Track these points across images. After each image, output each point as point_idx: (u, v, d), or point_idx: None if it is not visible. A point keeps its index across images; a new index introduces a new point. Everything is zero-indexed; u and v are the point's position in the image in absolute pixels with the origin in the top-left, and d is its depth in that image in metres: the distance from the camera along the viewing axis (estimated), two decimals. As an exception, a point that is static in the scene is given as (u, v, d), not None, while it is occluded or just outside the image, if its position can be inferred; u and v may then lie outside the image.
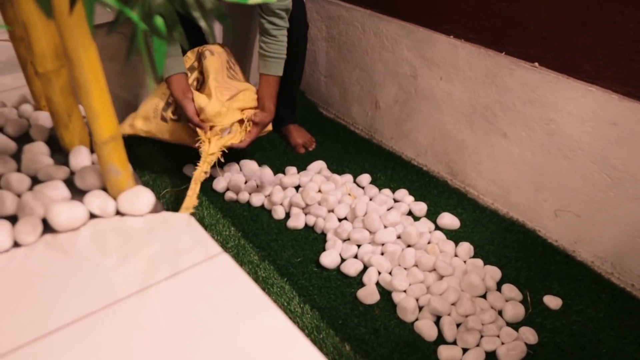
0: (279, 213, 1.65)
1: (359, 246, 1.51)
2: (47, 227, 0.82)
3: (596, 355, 1.26)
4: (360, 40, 1.95)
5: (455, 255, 1.51)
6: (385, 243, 1.50)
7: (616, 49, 1.27)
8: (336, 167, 1.88)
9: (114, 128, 0.82)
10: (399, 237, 1.54)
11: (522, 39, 1.45)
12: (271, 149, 1.99)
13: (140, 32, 0.59)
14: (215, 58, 1.71)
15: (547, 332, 1.31)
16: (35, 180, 0.93)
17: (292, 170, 1.84)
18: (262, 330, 0.66)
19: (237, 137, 1.66)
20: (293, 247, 1.55)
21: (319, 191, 1.67)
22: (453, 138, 1.75)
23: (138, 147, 1.96)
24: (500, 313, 1.34)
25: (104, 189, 0.89)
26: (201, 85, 1.70)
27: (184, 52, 1.71)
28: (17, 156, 1.00)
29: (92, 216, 0.86)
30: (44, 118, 1.10)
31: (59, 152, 1.02)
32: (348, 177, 1.80)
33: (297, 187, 1.74)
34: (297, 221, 1.61)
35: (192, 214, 1.62)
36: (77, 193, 0.89)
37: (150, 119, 1.70)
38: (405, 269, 1.44)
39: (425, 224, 1.60)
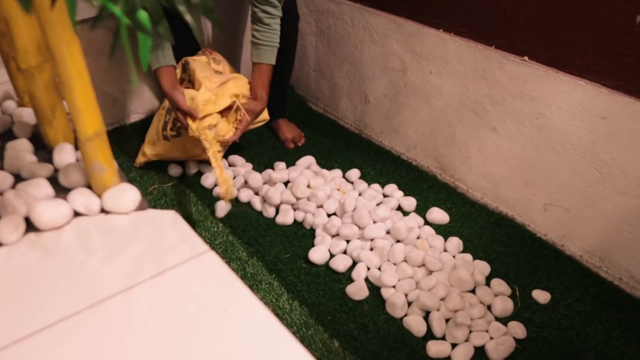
0: (268, 209, 1.64)
1: (348, 242, 1.51)
2: (30, 226, 0.81)
3: (584, 349, 1.26)
4: (349, 34, 1.94)
5: (445, 250, 1.50)
6: (374, 238, 1.49)
7: (606, 43, 1.27)
8: (325, 162, 1.87)
9: (98, 124, 0.80)
10: (388, 233, 1.53)
11: (512, 32, 1.45)
12: (260, 144, 1.98)
13: (123, 27, 0.58)
14: (198, 60, 1.74)
15: (536, 326, 1.31)
16: (18, 178, 0.91)
17: (281, 165, 1.83)
18: (248, 329, 0.65)
19: (229, 130, 1.65)
20: (282, 243, 1.54)
21: (308, 186, 1.66)
22: (442, 132, 1.75)
23: (125, 143, 1.94)
24: (489, 308, 1.34)
25: (89, 186, 0.88)
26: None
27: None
28: (-1, 153, 0.98)
29: (77, 214, 0.84)
30: (27, 115, 1.08)
31: (43, 149, 1.00)
32: (337, 172, 1.79)
33: (286, 183, 1.73)
34: (285, 217, 1.60)
35: (181, 210, 1.61)
36: (61, 191, 0.88)
37: (155, 142, 1.76)
38: (394, 264, 1.43)
39: (415, 219, 1.60)
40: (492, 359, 1.23)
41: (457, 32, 1.59)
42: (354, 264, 1.46)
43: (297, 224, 1.61)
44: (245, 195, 1.69)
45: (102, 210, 0.85)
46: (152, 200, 1.67)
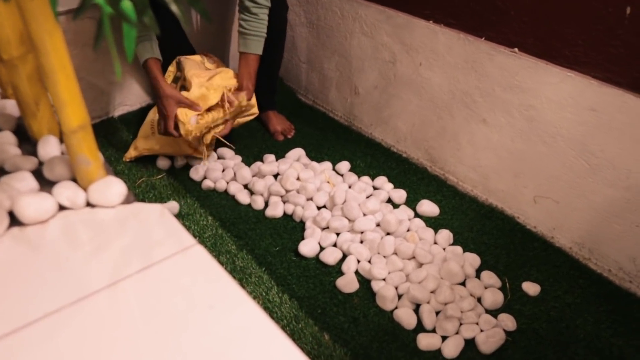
0: (258, 202, 1.63)
1: (338, 234, 1.50)
2: (14, 220, 0.79)
3: (574, 341, 1.26)
4: (339, 26, 1.93)
5: (435, 243, 1.50)
6: (364, 231, 1.49)
7: (595, 35, 1.26)
8: (315, 155, 1.86)
9: (82, 117, 0.79)
10: (378, 225, 1.53)
11: (502, 24, 1.44)
12: (249, 137, 1.97)
13: (105, 17, 0.57)
14: (191, 59, 1.74)
15: (526, 318, 1.31)
16: (2, 172, 0.90)
17: (270, 158, 1.82)
18: (236, 324, 0.65)
19: (219, 125, 1.65)
20: (271, 236, 1.53)
21: (298, 179, 1.65)
22: (433, 124, 1.74)
23: (112, 136, 1.92)
24: (479, 300, 1.34)
25: (74, 179, 0.86)
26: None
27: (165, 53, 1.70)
28: (-17, 146, 0.96)
29: (62, 208, 0.83)
30: (11, 106, 1.06)
31: (27, 142, 0.98)
32: (327, 165, 1.78)
33: (275, 176, 1.72)
34: (275, 210, 1.59)
35: (169, 203, 1.59)
36: (46, 184, 0.86)
37: (149, 136, 1.75)
38: (384, 257, 1.43)
39: (405, 212, 1.60)
40: (482, 352, 1.23)
41: (447, 24, 1.58)
42: (344, 256, 1.46)
43: (287, 217, 1.60)
44: (234, 188, 1.68)
45: (88, 204, 0.84)
46: (140, 194, 1.65)
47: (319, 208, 1.59)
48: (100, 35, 0.57)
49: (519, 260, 1.47)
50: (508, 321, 1.29)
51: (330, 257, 1.44)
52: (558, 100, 1.37)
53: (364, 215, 1.53)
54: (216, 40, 2.20)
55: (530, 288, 1.38)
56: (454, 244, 1.51)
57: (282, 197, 1.63)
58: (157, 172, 1.75)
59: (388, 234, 1.50)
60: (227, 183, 1.71)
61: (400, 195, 1.67)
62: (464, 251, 1.48)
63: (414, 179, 1.77)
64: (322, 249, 1.48)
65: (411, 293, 1.31)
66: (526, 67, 1.41)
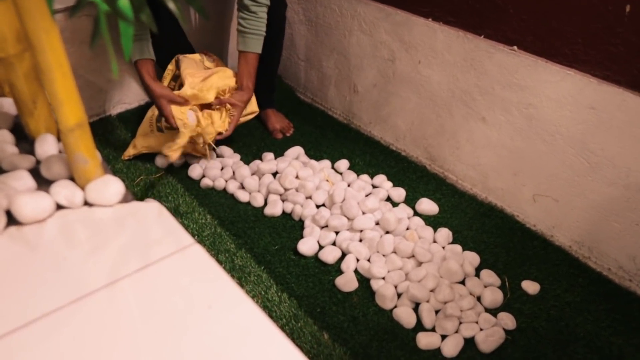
0: (257, 200, 1.63)
1: (337, 233, 1.50)
2: (12, 219, 0.79)
3: (573, 340, 1.26)
4: (337, 23, 1.92)
5: (434, 241, 1.50)
6: (363, 230, 1.49)
7: (594, 33, 1.26)
8: (314, 153, 1.86)
9: (79, 115, 0.78)
10: (377, 224, 1.52)
11: (501, 22, 1.44)
12: (248, 135, 1.96)
13: (102, 15, 0.56)
14: (189, 57, 1.74)
15: (525, 317, 1.31)
16: (-1, 170, 0.89)
17: (269, 156, 1.81)
18: (235, 323, 0.64)
19: (221, 125, 1.65)
20: (270, 235, 1.52)
21: (297, 177, 1.64)
22: (432, 122, 1.74)
23: (110, 134, 1.92)
24: (479, 299, 1.34)
25: (72, 178, 0.86)
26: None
27: (161, 55, 1.69)
28: (-20, 145, 0.96)
29: (59, 207, 0.82)
30: (8, 105, 1.05)
31: (25, 140, 0.98)
32: (326, 163, 1.77)
33: (274, 174, 1.71)
34: (274, 208, 1.59)
35: (167, 202, 1.59)
36: (43, 183, 0.86)
37: (148, 134, 1.74)
38: (383, 255, 1.43)
39: (404, 210, 1.59)
40: (482, 350, 1.23)
41: (446, 22, 1.57)
42: (343, 255, 1.45)
43: (286, 215, 1.60)
44: (233, 187, 1.68)
45: (86, 203, 0.84)
46: (138, 192, 1.65)
47: (318, 206, 1.58)
48: (97, 33, 0.56)
49: (518, 259, 1.47)
50: (508, 320, 1.28)
51: (330, 255, 1.43)
52: (557, 99, 1.37)
53: (363, 213, 1.52)
54: (214, 38, 2.20)
55: (530, 287, 1.38)
56: (453, 242, 1.51)
57: (281, 195, 1.63)
58: (156, 171, 1.75)
59: (387, 232, 1.50)
60: (226, 181, 1.70)
61: (399, 193, 1.66)
62: (464, 250, 1.48)
63: (413, 177, 1.77)
64: (321, 247, 1.47)
65: (410, 292, 1.31)
66: (525, 65, 1.41)
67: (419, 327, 1.28)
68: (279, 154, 1.83)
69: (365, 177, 1.72)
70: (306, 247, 1.45)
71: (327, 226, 1.51)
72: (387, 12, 1.72)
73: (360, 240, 1.48)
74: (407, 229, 1.52)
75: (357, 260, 1.43)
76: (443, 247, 1.48)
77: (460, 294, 1.33)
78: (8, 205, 0.79)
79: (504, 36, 1.44)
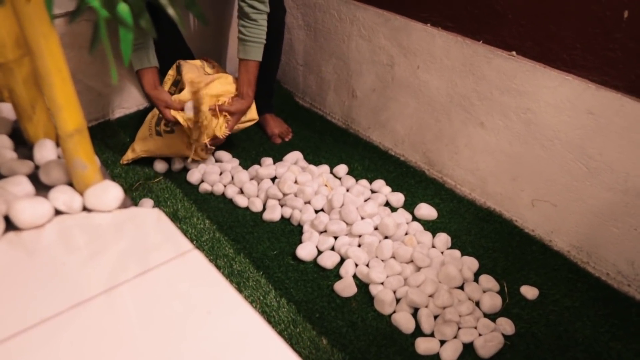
0: (256, 205, 1.63)
1: (335, 238, 1.50)
2: (10, 225, 0.79)
3: (572, 345, 1.26)
4: (336, 29, 1.93)
5: (433, 246, 1.50)
6: (362, 235, 1.48)
7: (593, 38, 1.26)
8: (313, 158, 1.86)
9: (78, 120, 0.78)
10: (376, 229, 1.52)
11: (499, 27, 1.44)
12: (247, 139, 1.96)
13: (102, 20, 0.56)
14: (190, 63, 1.74)
15: (524, 322, 1.31)
16: (-2, 175, 0.89)
17: (268, 161, 1.81)
18: (233, 329, 0.64)
19: (218, 129, 1.64)
20: (269, 240, 1.52)
21: (296, 182, 1.64)
22: (430, 127, 1.74)
23: (110, 139, 1.92)
24: (477, 304, 1.34)
25: (70, 184, 0.86)
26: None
27: (163, 61, 1.70)
28: (-22, 150, 0.96)
29: (58, 212, 0.82)
30: (7, 110, 1.05)
31: (23, 146, 0.98)
32: (325, 168, 1.78)
33: (273, 179, 1.71)
34: (273, 213, 1.59)
35: (166, 207, 1.59)
36: (42, 188, 0.86)
37: (147, 138, 1.75)
38: (382, 260, 1.43)
39: (403, 215, 1.59)
40: (480, 356, 1.22)
41: (444, 27, 1.58)
42: (342, 260, 1.45)
43: (285, 220, 1.60)
44: (231, 192, 1.68)
45: (84, 209, 0.83)
46: (137, 197, 1.65)
47: (316, 211, 1.58)
48: (96, 38, 0.56)
49: (517, 264, 1.47)
50: (506, 325, 1.28)
51: (328, 260, 1.43)
52: (556, 104, 1.37)
53: (362, 218, 1.52)
54: (213, 44, 2.20)
55: (529, 292, 1.38)
56: (452, 247, 1.51)
57: (279, 200, 1.63)
58: (155, 176, 1.75)
59: (386, 237, 1.50)
60: (225, 186, 1.70)
61: (398, 198, 1.66)
62: (462, 255, 1.48)
63: (412, 182, 1.77)
64: (319, 252, 1.47)
65: (409, 297, 1.31)
66: (524, 71, 1.41)
67: (418, 332, 1.28)
68: (277, 158, 1.83)
69: (364, 182, 1.72)
70: (305, 252, 1.45)
71: (325, 231, 1.50)
72: (386, 18, 1.72)
73: (359, 246, 1.48)
74: (406, 234, 1.52)
75: (356, 265, 1.43)
76: (442, 252, 1.48)
77: (459, 299, 1.33)
78: (7, 210, 0.79)
79: (503, 41, 1.45)
